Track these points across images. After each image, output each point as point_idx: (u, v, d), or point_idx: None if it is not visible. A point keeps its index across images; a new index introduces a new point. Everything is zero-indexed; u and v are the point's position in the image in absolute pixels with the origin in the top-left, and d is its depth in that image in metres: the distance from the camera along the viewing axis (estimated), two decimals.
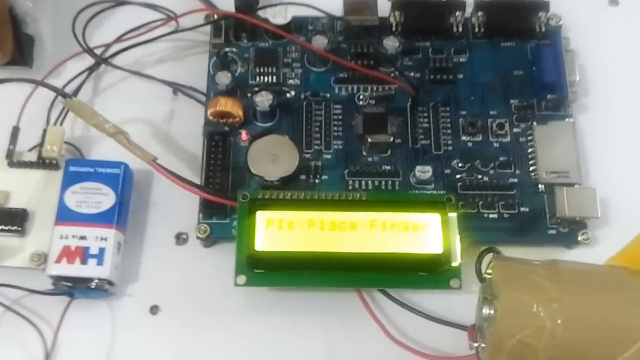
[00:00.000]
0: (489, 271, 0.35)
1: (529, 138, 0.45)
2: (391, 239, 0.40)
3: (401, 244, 0.40)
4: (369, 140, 0.43)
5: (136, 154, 0.40)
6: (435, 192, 0.43)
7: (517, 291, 0.33)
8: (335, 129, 0.45)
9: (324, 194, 0.41)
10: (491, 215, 0.43)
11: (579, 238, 0.43)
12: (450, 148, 0.45)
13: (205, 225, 0.42)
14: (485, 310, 0.34)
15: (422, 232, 0.40)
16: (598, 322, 0.33)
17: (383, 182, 0.43)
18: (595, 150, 0.46)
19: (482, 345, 0.36)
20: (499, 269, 0.34)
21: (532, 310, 0.33)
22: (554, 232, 0.43)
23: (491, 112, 0.45)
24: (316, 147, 0.44)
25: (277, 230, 0.40)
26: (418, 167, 0.43)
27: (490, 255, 0.36)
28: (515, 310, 0.33)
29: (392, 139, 0.44)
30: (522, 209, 0.43)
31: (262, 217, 0.40)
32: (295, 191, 0.41)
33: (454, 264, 0.40)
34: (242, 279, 0.39)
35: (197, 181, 0.42)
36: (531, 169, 0.44)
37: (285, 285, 0.41)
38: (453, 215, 0.41)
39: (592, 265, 0.36)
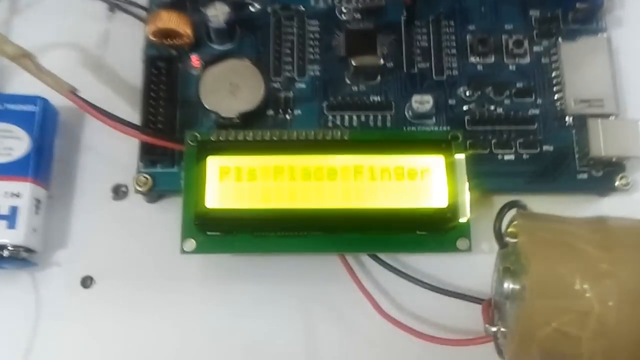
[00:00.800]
0: (512, 230, 0.26)
1: (554, 58, 0.34)
2: (382, 189, 0.29)
3: (395, 196, 0.29)
4: (354, 64, 0.32)
5: (47, 84, 0.29)
6: (436, 128, 0.33)
7: (554, 263, 0.23)
8: (312, 50, 0.34)
9: (295, 133, 0.30)
10: (506, 157, 0.32)
11: (617, 183, 0.32)
12: (455, 72, 0.33)
13: (146, 176, 0.31)
14: (508, 285, 0.24)
15: (421, 181, 0.29)
16: None
17: (371, 117, 0.32)
18: (634, 73, 0.34)
19: (503, 329, 0.26)
20: (528, 231, 0.24)
21: (575, 289, 0.23)
22: (584, 176, 0.32)
23: (506, 27, 0.34)
24: (287, 74, 0.33)
25: (234, 182, 0.29)
26: (415, 97, 0.32)
27: (514, 211, 0.26)
28: (552, 288, 0.23)
29: (382, 61, 0.33)
30: (545, 147, 0.32)
31: (215, 165, 0.29)
32: (259, 130, 0.30)
33: (462, 219, 0.29)
34: (190, 244, 0.29)
35: (137, 120, 0.32)
36: (556, 97, 0.33)
37: (246, 252, 0.30)
38: (460, 157, 0.30)
39: None
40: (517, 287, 0.24)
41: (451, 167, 0.30)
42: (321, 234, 0.30)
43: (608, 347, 0.23)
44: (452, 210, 0.29)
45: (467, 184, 0.30)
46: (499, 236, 0.25)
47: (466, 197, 0.30)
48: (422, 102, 0.32)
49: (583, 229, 0.24)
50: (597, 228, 0.24)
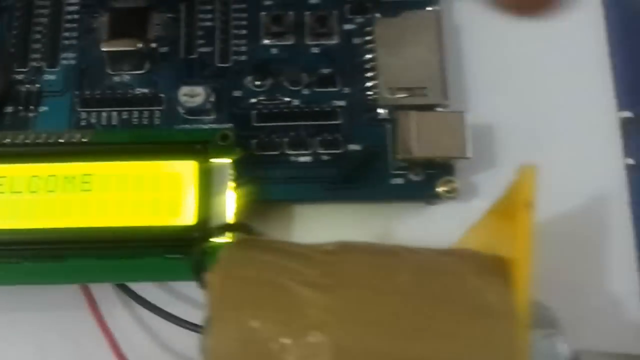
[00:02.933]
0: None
1: (368, 38, 0.26)
2: (116, 203, 0.22)
3: (133, 212, 0.22)
4: (102, 49, 0.25)
5: None
6: (215, 125, 0.25)
7: (247, 312, 0.16)
8: (68, 35, 0.26)
9: (21, 136, 0.23)
10: (302, 158, 0.25)
11: (438, 189, 0.25)
12: (243, 58, 0.26)
13: None
14: (202, 343, 0.17)
15: (167, 192, 0.22)
16: None
17: (136, 114, 0.25)
18: (472, 55, 0.27)
19: None
20: (224, 267, 0.17)
21: (270, 347, 0.16)
22: (400, 181, 0.25)
23: (311, 0, 0.27)
24: (34, 63, 0.26)
25: None
26: (184, 89, 0.25)
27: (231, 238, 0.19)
28: (239, 349, 0.16)
29: (140, 45, 0.25)
30: (351, 146, 0.25)
31: None
32: None
33: (217, 240, 0.22)
34: None
35: None
36: (368, 85, 0.26)
37: None
38: (223, 161, 0.23)
39: (408, 253, 0.18)
40: (204, 345, 0.17)
41: (206, 174, 0.23)
42: (44, 261, 0.22)
43: None
44: (202, 229, 0.22)
45: (229, 195, 0.23)
46: (197, 272, 0.18)
47: (228, 211, 0.23)
48: (192, 94, 0.25)
49: (303, 261, 0.17)
50: (322, 260, 0.17)
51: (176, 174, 0.23)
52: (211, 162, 0.23)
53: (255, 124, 0.25)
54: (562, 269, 0.25)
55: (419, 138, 0.25)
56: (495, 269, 0.16)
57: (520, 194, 0.16)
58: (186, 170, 0.23)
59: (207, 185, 0.23)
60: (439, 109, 0.25)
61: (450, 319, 0.15)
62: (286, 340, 0.16)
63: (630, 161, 0.27)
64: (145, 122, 0.25)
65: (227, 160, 0.23)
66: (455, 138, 0.25)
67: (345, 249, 0.17)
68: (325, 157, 0.25)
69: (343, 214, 0.26)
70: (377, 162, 0.25)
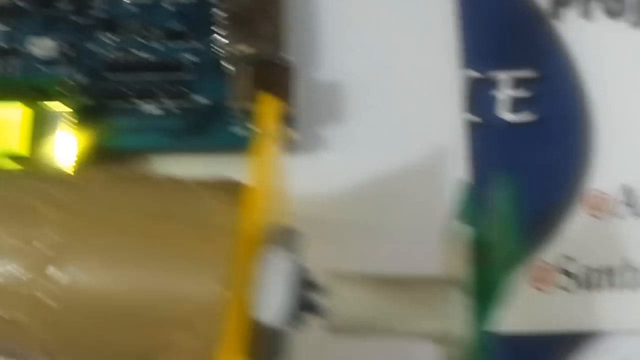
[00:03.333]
0: None
1: None
2: None
3: None
4: None
5: None
6: (68, 76, 0.26)
7: None
8: None
9: None
10: (154, 111, 0.26)
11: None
12: (100, 14, 0.27)
13: None
14: None
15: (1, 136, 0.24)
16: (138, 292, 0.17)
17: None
18: (321, 12, 0.27)
19: None
20: None
21: (8, 269, 0.17)
22: (243, 132, 0.26)
23: None
24: None
25: None
26: (34, 41, 0.26)
27: None
28: None
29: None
30: (198, 99, 0.26)
31: None
32: None
33: None
34: None
35: None
36: (217, 39, 0.26)
37: None
38: (59, 108, 0.24)
39: (164, 180, 0.19)
40: None
41: (39, 120, 0.24)
42: None
43: (61, 338, 0.17)
44: None
45: (67, 140, 0.24)
46: None
47: (60, 156, 0.24)
48: (42, 46, 0.26)
49: (63, 185, 0.18)
50: (84, 186, 0.18)
51: (8, 119, 0.24)
52: (44, 108, 0.24)
53: (107, 75, 0.26)
54: (396, 219, 0.26)
55: (247, 87, 0.26)
56: (236, 193, 0.17)
57: (261, 124, 0.17)
58: (18, 115, 0.24)
59: (40, 131, 0.24)
60: (279, 64, 0.26)
61: (174, 234, 0.16)
62: (21, 262, 0.17)
63: (474, 118, 0.28)
64: (8, 71, 0.26)
65: (63, 108, 0.25)
66: (282, 90, 0.26)
67: (108, 176, 0.18)
68: (172, 109, 0.26)
69: (193, 163, 0.27)
70: (222, 113, 0.26)
